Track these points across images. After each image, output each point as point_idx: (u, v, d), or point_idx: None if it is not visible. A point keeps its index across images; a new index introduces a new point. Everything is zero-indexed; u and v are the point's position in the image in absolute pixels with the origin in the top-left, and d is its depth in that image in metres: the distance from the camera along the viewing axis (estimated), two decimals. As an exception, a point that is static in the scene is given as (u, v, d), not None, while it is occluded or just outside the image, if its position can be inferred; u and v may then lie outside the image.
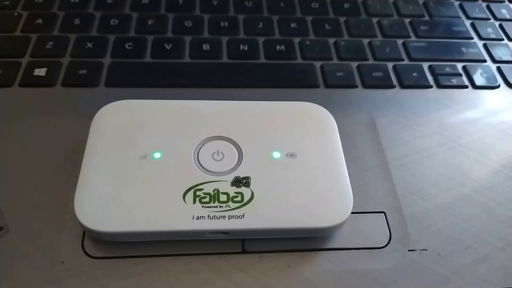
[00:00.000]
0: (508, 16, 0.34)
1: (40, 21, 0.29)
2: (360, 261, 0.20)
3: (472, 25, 0.33)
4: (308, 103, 0.24)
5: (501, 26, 0.34)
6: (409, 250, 0.21)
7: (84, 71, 0.26)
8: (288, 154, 0.22)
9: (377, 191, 0.23)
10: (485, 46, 0.32)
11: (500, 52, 0.31)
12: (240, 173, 0.21)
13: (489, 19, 0.34)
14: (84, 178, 0.20)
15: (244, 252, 0.20)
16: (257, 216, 0.19)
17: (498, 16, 0.34)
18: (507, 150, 0.26)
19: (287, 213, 0.20)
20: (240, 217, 0.19)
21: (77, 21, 0.29)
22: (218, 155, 0.21)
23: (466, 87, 0.29)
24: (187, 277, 0.19)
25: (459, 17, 0.34)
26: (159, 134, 0.22)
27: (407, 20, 0.33)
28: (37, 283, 0.19)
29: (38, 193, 0.21)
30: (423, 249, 0.21)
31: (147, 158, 0.21)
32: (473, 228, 0.22)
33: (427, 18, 0.33)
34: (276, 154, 0.21)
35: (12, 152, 0.23)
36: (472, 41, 0.32)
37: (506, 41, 0.33)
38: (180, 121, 0.22)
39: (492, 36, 0.33)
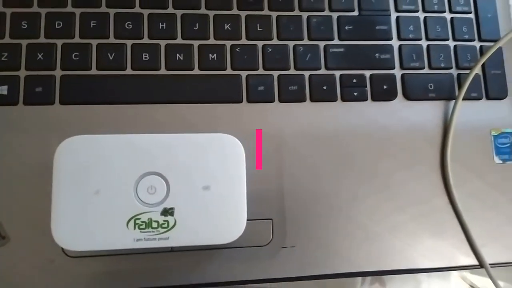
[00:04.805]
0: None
1: (-11, 21, 0.32)
2: (247, 255, 0.31)
3: (397, 20, 0.36)
4: (224, 135, 0.30)
5: (425, 21, 0.36)
6: (282, 247, 0.32)
7: (40, 89, 0.31)
8: (204, 187, 0.30)
9: (269, 200, 0.32)
10: (399, 48, 0.36)
11: (409, 58, 0.35)
12: (168, 204, 0.29)
13: (417, 10, 0.36)
14: (56, 209, 0.28)
15: (172, 251, 0.31)
16: (178, 238, 0.29)
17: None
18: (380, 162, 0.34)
19: (198, 234, 0.29)
20: (166, 239, 0.29)
21: (24, 24, 0.32)
22: (151, 189, 0.29)
23: (366, 99, 0.35)
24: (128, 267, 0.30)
25: (387, 11, 0.36)
26: (107, 171, 0.29)
27: (335, 16, 0.35)
28: (35, 275, 0.29)
29: (23, 204, 0.30)
30: (292, 246, 0.32)
31: (99, 194, 0.29)
32: (331, 224, 0.32)
33: (355, 13, 0.36)
34: (195, 188, 0.30)
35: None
36: (389, 42, 0.36)
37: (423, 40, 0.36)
38: (123, 157, 0.29)
39: (411, 36, 0.36)
